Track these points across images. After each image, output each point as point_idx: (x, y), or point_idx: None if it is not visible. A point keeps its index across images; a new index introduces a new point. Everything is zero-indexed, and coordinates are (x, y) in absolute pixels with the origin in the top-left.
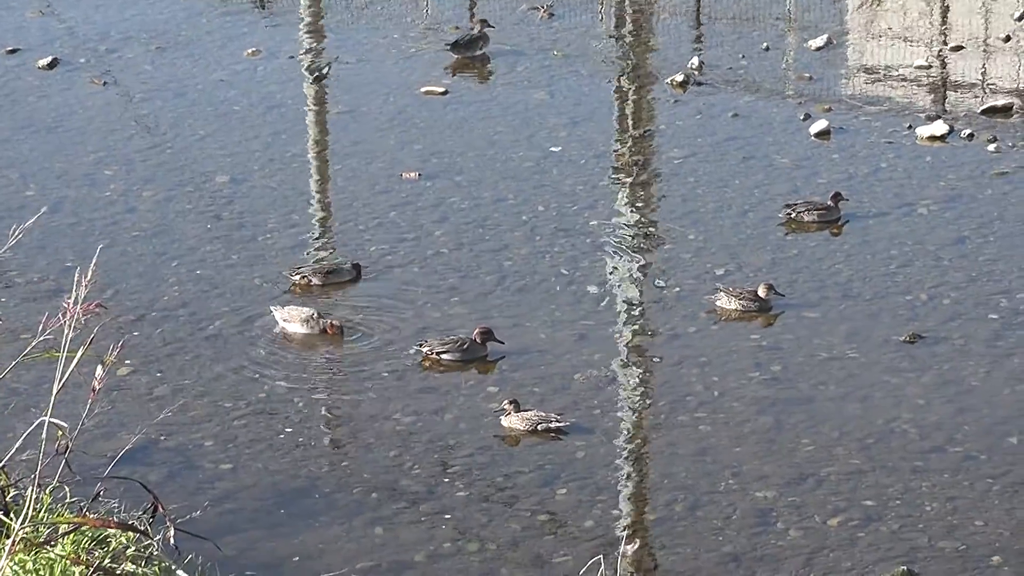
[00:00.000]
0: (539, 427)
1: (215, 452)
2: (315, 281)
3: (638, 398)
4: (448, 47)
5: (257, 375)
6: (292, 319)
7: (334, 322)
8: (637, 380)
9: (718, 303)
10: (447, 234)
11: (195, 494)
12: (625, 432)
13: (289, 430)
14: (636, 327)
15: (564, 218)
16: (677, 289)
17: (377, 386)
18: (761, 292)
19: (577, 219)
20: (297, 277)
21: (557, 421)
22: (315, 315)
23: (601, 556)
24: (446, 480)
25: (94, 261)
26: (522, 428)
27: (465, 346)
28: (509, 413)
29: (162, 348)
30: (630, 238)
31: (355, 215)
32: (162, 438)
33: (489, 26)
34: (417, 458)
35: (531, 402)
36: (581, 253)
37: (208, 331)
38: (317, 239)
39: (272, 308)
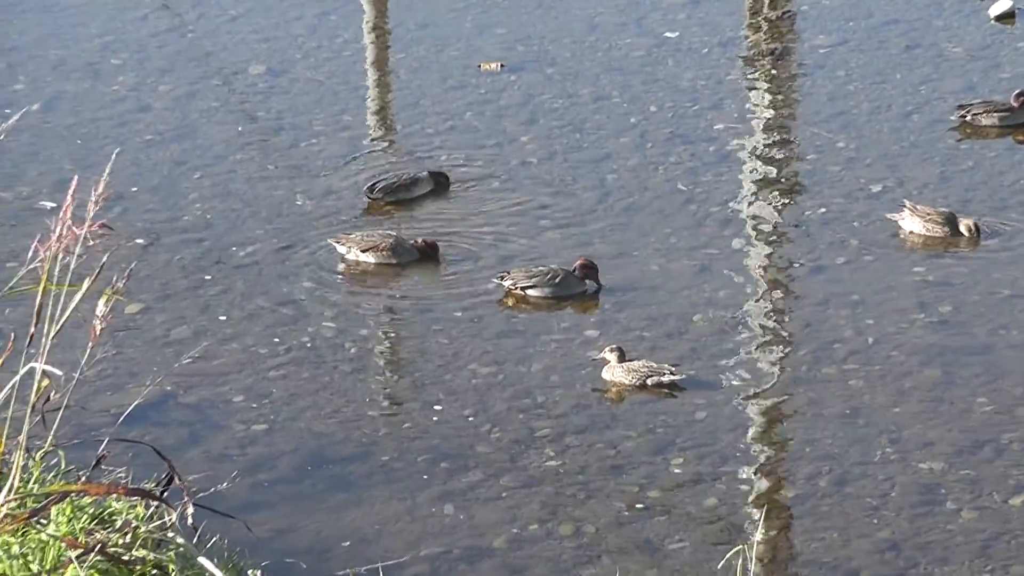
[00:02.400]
0: (649, 381)
1: (246, 410)
2: (387, 198)
3: (773, 345)
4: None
5: (299, 314)
6: (358, 245)
7: (424, 239)
8: (772, 323)
9: (901, 222)
10: (536, 140)
11: (221, 461)
12: (756, 388)
13: (338, 383)
14: (771, 257)
15: (682, 121)
16: (823, 210)
17: (448, 329)
18: (963, 229)
19: (698, 122)
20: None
21: (671, 374)
22: (387, 241)
23: (727, 544)
24: (533, 447)
25: (108, 169)
26: (628, 382)
27: (557, 279)
28: (612, 363)
29: (181, 280)
30: (764, 146)
31: (421, 116)
32: (180, 392)
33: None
34: (497, 419)
35: (639, 350)
36: (703, 164)
37: (238, 259)
38: (373, 145)
39: (334, 242)
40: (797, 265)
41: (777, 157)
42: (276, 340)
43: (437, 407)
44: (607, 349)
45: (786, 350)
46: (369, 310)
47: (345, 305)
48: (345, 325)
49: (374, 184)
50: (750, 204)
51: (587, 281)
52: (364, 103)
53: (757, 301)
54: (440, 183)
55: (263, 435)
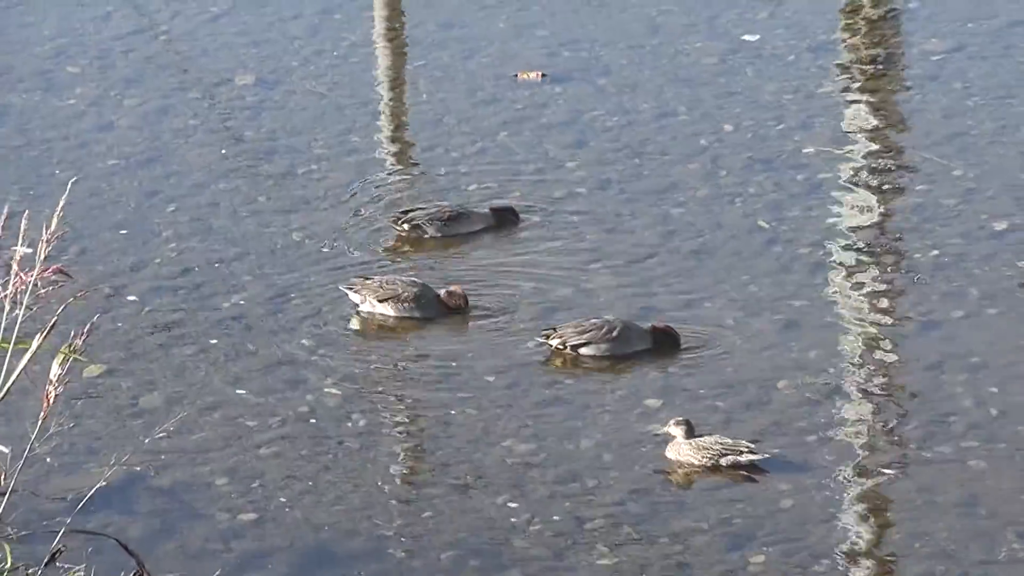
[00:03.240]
0: (723, 461)
1: (231, 495)
2: (430, 232)
3: (875, 418)
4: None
5: (296, 378)
6: (375, 294)
7: (455, 288)
8: (874, 391)
9: None
10: (585, 165)
11: (200, 559)
12: (854, 470)
13: (343, 462)
14: (871, 310)
15: (763, 143)
16: (935, 252)
17: (480, 397)
18: None
19: (783, 144)
20: (406, 226)
21: (750, 452)
22: (411, 290)
23: None
24: (582, 541)
25: (62, 202)
26: (698, 462)
27: (615, 332)
28: (678, 439)
29: (150, 337)
30: (864, 173)
31: (446, 136)
32: (151, 473)
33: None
34: (538, 506)
35: (712, 423)
36: (789, 197)
37: (222, 311)
38: (388, 173)
39: (347, 289)
40: (904, 320)
41: (880, 187)
42: (267, 410)
43: (464, 493)
44: (672, 422)
45: (891, 424)
46: (382, 373)
47: (352, 367)
48: (352, 392)
49: (402, 214)
50: (846, 246)
51: (654, 338)
52: (375, 121)
53: (855, 364)
54: (505, 219)
55: (252, 527)
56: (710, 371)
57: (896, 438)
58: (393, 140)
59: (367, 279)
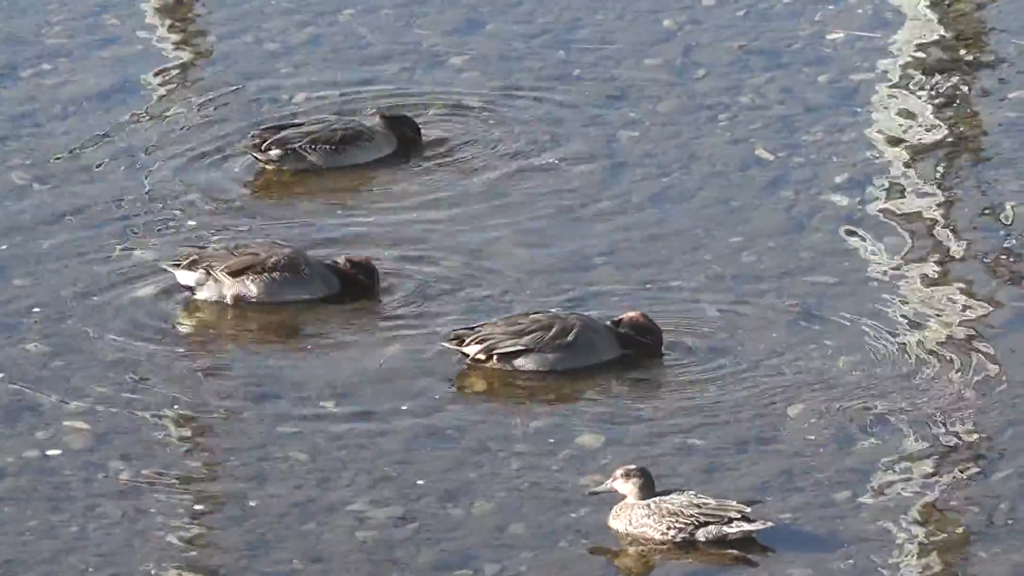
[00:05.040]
0: (700, 534)
1: None
2: (314, 161)
3: (940, 462)
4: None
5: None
6: (224, 265)
7: (353, 258)
8: (936, 420)
9: None
10: (477, 60)
11: None
12: (912, 545)
13: (96, 537)
14: (932, 292)
15: (763, 24)
16: None
17: (315, 432)
18: None
19: (795, 27)
20: (274, 151)
21: (744, 520)
22: (284, 254)
23: None
24: None
25: None
26: (660, 535)
27: (570, 337)
28: (628, 499)
29: None
30: (917, 73)
31: (257, 16)
32: None
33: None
34: None
35: (683, 474)
36: (805, 110)
37: None
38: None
39: (173, 267)
40: (991, 307)
41: (942, 94)
42: None
43: None
44: (620, 473)
45: (968, 472)
46: (157, 394)
47: (101, 387)
48: (105, 427)
49: (269, 133)
50: (890, 189)
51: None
52: None
53: (909, 379)
54: (404, 138)
55: None
56: (681, 389)
57: (977, 494)
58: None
59: (202, 248)
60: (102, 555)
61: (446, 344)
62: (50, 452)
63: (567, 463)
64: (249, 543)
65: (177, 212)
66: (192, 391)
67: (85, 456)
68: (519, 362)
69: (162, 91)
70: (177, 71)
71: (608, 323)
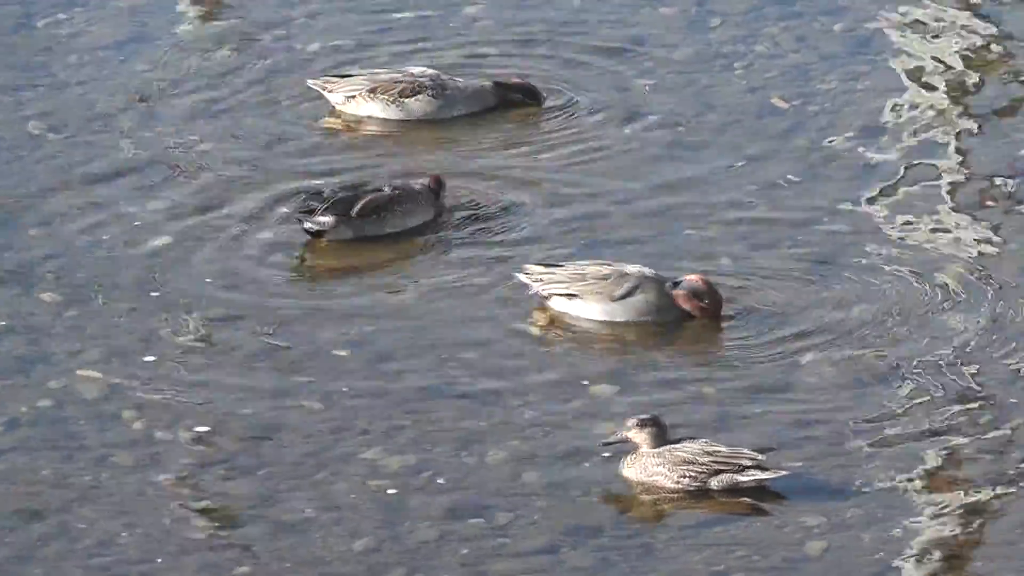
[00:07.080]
0: (714, 482)
1: None
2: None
3: (956, 413)
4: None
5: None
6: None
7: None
8: (953, 370)
9: None
10: (488, 9)
11: None
12: (923, 495)
13: (109, 485)
14: (955, 243)
15: None
16: None
17: (326, 381)
18: None
19: None
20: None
21: (757, 467)
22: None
23: None
24: None
25: None
26: (673, 484)
27: (636, 291)
28: (642, 449)
29: None
30: (940, 20)
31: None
32: None
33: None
34: (418, 558)
35: (695, 423)
36: (821, 59)
37: None
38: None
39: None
40: (1009, 257)
41: (973, 49)
42: None
43: (303, 534)
44: (633, 422)
45: (981, 421)
46: (172, 343)
47: (111, 338)
48: (123, 373)
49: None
50: (913, 139)
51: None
52: None
53: (926, 329)
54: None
55: None
56: (694, 337)
57: (991, 445)
58: None
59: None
60: (115, 504)
61: (520, 275)
62: (63, 400)
63: (579, 413)
64: (262, 493)
65: (191, 162)
66: (205, 341)
67: (98, 406)
68: (572, 306)
69: (185, 34)
70: (194, 20)
71: (668, 283)
